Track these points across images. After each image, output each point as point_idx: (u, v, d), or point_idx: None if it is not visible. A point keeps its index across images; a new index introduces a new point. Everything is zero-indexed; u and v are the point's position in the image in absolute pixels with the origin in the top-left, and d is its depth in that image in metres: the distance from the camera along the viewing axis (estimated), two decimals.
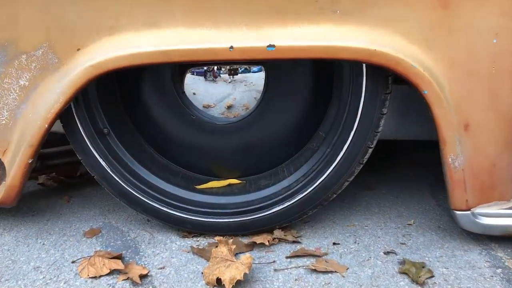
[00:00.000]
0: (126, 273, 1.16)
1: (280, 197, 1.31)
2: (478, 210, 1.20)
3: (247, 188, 1.39)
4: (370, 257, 1.22)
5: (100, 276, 1.16)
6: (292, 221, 1.31)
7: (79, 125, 1.28)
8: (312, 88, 1.39)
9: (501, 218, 1.20)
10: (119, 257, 1.22)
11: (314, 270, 1.16)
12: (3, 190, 1.29)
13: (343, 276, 1.13)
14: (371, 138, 1.20)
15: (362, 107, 1.18)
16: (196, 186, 1.41)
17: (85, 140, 1.29)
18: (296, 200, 1.28)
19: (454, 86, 1.12)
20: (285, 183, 1.34)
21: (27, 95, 1.20)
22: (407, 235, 1.34)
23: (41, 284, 1.13)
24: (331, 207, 1.54)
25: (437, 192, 1.68)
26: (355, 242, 1.31)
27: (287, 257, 1.23)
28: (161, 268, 1.20)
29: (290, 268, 1.18)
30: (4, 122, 1.22)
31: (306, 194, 1.27)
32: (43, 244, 1.35)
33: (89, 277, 1.15)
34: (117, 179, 1.32)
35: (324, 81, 1.36)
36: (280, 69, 1.36)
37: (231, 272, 1.10)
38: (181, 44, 1.12)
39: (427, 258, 1.21)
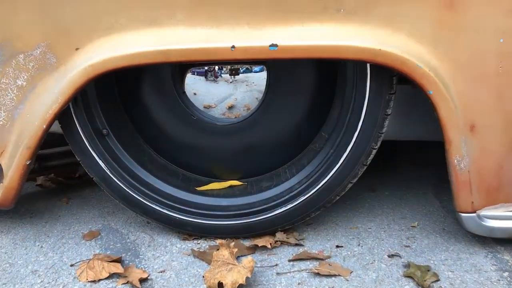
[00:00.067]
0: (126, 276, 1.14)
1: (282, 199, 1.29)
2: (484, 212, 1.18)
3: (249, 190, 1.37)
4: (374, 260, 1.20)
5: (99, 280, 1.14)
6: (295, 223, 1.29)
7: (77, 126, 1.26)
8: (314, 88, 1.37)
9: (507, 221, 1.18)
10: (118, 261, 1.20)
11: (318, 274, 1.14)
12: (0, 192, 1.27)
13: (347, 280, 1.11)
14: (375, 139, 1.18)
15: (366, 108, 1.16)
16: (196, 188, 1.39)
17: (83, 141, 1.27)
18: (299, 202, 1.26)
19: (460, 87, 1.10)
20: (287, 184, 1.32)
21: (24, 95, 1.18)
22: (411, 238, 1.32)
23: None
24: (334, 208, 1.52)
25: (440, 193, 1.67)
26: (359, 245, 1.29)
27: (289, 260, 1.21)
28: (161, 272, 1.18)
29: (293, 271, 1.16)
30: (1, 123, 1.20)
31: (309, 196, 1.25)
32: (41, 247, 1.33)
33: (88, 281, 1.13)
34: (116, 180, 1.30)
35: (327, 81, 1.34)
36: (282, 69, 1.34)
37: (233, 276, 1.08)
38: (181, 44, 1.10)
39: (432, 261, 1.19)
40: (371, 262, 1.19)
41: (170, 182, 1.38)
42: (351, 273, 1.14)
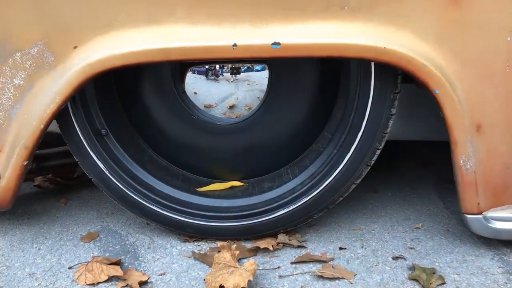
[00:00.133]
0: (125, 279, 1.12)
1: (285, 200, 1.27)
2: (490, 213, 1.16)
3: (250, 191, 1.35)
4: (378, 263, 1.18)
5: (98, 283, 1.12)
6: (297, 225, 1.27)
7: (76, 125, 1.24)
8: (317, 87, 1.35)
9: None
10: (117, 263, 1.18)
11: (321, 277, 1.12)
12: None
13: (351, 283, 1.09)
14: (379, 139, 1.16)
15: (371, 107, 1.14)
16: (197, 189, 1.37)
17: (82, 141, 1.25)
18: (301, 204, 1.24)
19: (466, 86, 1.08)
20: (289, 185, 1.30)
21: (22, 94, 1.15)
22: (416, 239, 1.30)
23: None
24: (336, 210, 1.50)
25: (444, 194, 1.65)
26: (362, 247, 1.27)
27: (292, 263, 1.19)
28: (161, 274, 1.15)
29: (295, 274, 1.14)
30: None
31: (312, 197, 1.23)
32: (39, 249, 1.30)
33: (87, 284, 1.11)
34: (115, 181, 1.28)
35: (330, 79, 1.32)
36: (284, 67, 1.32)
37: (235, 279, 1.06)
38: (182, 42, 1.08)
39: (437, 264, 1.17)
40: (375, 264, 1.17)
41: (170, 182, 1.35)
42: (355, 276, 1.12)
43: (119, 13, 1.08)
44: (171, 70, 1.35)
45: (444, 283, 1.08)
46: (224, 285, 1.04)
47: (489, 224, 1.16)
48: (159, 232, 1.37)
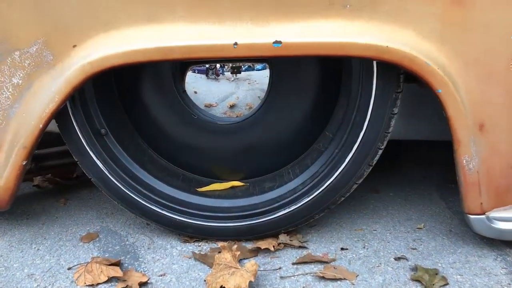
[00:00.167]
0: (125, 280, 1.11)
1: (286, 200, 1.26)
2: (493, 214, 1.15)
3: (251, 191, 1.34)
4: (380, 263, 1.17)
5: (98, 284, 1.11)
6: (298, 225, 1.26)
7: (75, 125, 1.23)
8: (318, 86, 1.34)
9: None
10: (117, 264, 1.17)
11: (322, 278, 1.11)
12: None
13: (353, 284, 1.08)
14: (381, 139, 1.15)
15: (373, 107, 1.13)
16: (197, 189, 1.36)
17: (81, 141, 1.24)
18: (303, 204, 1.23)
19: (469, 85, 1.06)
20: (290, 185, 1.29)
21: (20, 93, 1.14)
22: (418, 240, 1.29)
23: None
24: (337, 210, 1.49)
25: (445, 193, 1.64)
26: (364, 247, 1.26)
27: (293, 264, 1.18)
28: (161, 275, 1.14)
29: (297, 275, 1.13)
30: None
31: (313, 197, 1.22)
32: (38, 249, 1.29)
33: (86, 285, 1.10)
34: (115, 181, 1.27)
35: (331, 79, 1.31)
36: (285, 66, 1.31)
37: (236, 280, 1.05)
38: (182, 40, 1.07)
39: (439, 264, 1.16)
40: (377, 265, 1.16)
41: (170, 182, 1.34)
42: (357, 276, 1.11)
43: (119, 12, 1.07)
44: (171, 69, 1.34)
45: (447, 284, 1.07)
46: (225, 286, 1.03)
47: (492, 225, 1.15)
48: (159, 233, 1.36)
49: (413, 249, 1.24)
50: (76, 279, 1.12)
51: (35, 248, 1.30)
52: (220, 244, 1.23)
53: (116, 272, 1.13)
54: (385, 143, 1.17)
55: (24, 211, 1.58)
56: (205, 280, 1.10)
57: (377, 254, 1.22)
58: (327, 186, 1.21)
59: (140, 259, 1.23)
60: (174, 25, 1.07)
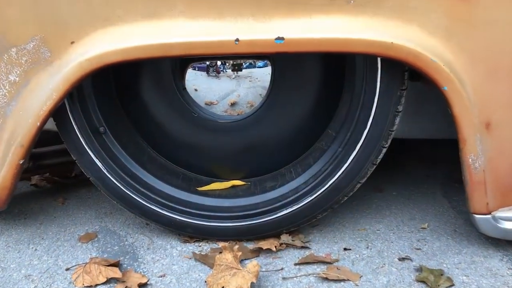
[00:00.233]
0: (124, 281, 1.09)
1: (288, 199, 1.24)
2: (499, 213, 1.13)
3: (252, 190, 1.32)
4: (384, 264, 1.15)
5: (96, 285, 1.09)
6: (300, 225, 1.24)
7: (73, 123, 1.21)
8: (321, 83, 1.31)
9: None
10: (116, 264, 1.15)
11: (326, 278, 1.09)
12: None
13: (357, 285, 1.06)
14: (385, 137, 1.13)
15: (377, 104, 1.11)
16: (197, 188, 1.34)
17: (79, 139, 1.22)
18: (305, 203, 1.21)
19: (475, 82, 1.04)
20: (292, 184, 1.27)
21: (17, 91, 1.12)
22: (422, 240, 1.27)
23: None
24: (340, 209, 1.47)
25: (449, 193, 1.62)
26: (367, 248, 1.23)
27: (295, 264, 1.16)
28: (161, 276, 1.12)
29: (299, 276, 1.11)
30: None
31: (316, 196, 1.20)
32: (35, 249, 1.27)
33: (84, 286, 1.08)
34: (113, 180, 1.25)
35: (334, 76, 1.29)
36: (287, 63, 1.29)
37: (237, 281, 1.03)
38: (182, 37, 1.04)
39: (445, 265, 1.14)
40: (381, 266, 1.14)
41: (170, 182, 1.32)
42: (360, 277, 1.09)
43: (117, 7, 1.05)
44: (171, 66, 1.32)
45: (452, 285, 1.05)
46: None
47: (498, 225, 1.13)
48: (158, 233, 1.34)
49: (418, 249, 1.22)
50: (74, 280, 1.10)
51: (32, 248, 1.28)
52: (221, 244, 1.21)
53: (115, 273, 1.11)
54: (389, 141, 1.15)
55: (22, 210, 1.56)
56: (205, 281, 1.08)
57: (380, 255, 1.19)
58: (330, 185, 1.19)
59: (139, 259, 1.21)
60: (173, 21, 1.05)
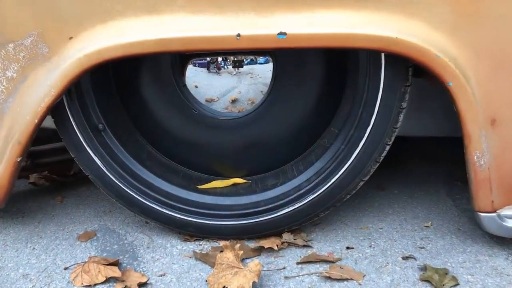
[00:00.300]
0: (124, 281, 1.08)
1: (289, 197, 1.22)
2: (504, 212, 1.11)
3: (253, 188, 1.30)
4: (387, 263, 1.13)
5: (95, 284, 1.07)
6: (302, 223, 1.23)
7: (72, 120, 1.19)
8: (323, 80, 1.30)
9: None
10: (115, 264, 1.13)
11: (328, 278, 1.07)
12: None
13: (360, 284, 1.04)
14: (389, 134, 1.11)
15: (380, 101, 1.09)
16: (198, 186, 1.32)
17: (78, 137, 1.20)
18: (307, 201, 1.19)
19: (481, 78, 1.03)
20: (294, 182, 1.25)
21: (15, 87, 1.10)
22: (426, 238, 1.25)
23: None
24: (342, 207, 1.45)
25: (452, 191, 1.60)
26: (370, 246, 1.22)
27: (298, 263, 1.14)
28: (161, 275, 1.11)
29: (301, 275, 1.09)
30: None
31: (318, 194, 1.18)
32: (33, 248, 1.26)
33: (83, 286, 1.07)
34: (113, 178, 1.23)
35: (337, 72, 1.27)
36: (289, 59, 1.27)
37: (239, 280, 1.01)
38: (182, 32, 1.03)
39: (449, 264, 1.12)
40: (384, 265, 1.12)
41: (170, 179, 1.31)
42: (364, 277, 1.07)
43: (116, 2, 1.03)
44: (171, 62, 1.30)
45: (457, 284, 1.03)
46: (228, 287, 0.99)
47: (503, 223, 1.11)
48: (158, 231, 1.33)
49: (421, 248, 1.20)
50: (72, 279, 1.09)
51: (30, 247, 1.26)
52: (222, 243, 1.20)
53: (114, 272, 1.09)
54: (392, 138, 1.13)
55: (20, 209, 1.54)
56: (206, 281, 1.06)
57: (384, 253, 1.18)
58: (332, 183, 1.17)
59: (139, 258, 1.19)
60: (174, 15, 1.03)
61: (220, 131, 1.35)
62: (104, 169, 1.22)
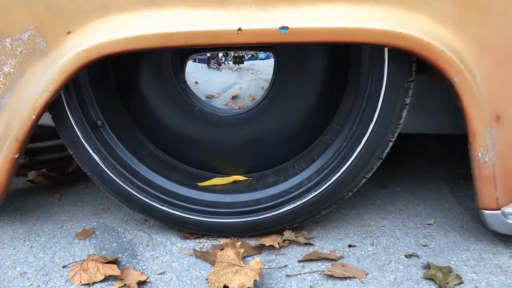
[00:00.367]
0: (123, 279, 1.06)
1: (291, 195, 1.21)
2: (509, 209, 1.10)
3: (254, 185, 1.29)
4: (390, 261, 1.12)
5: (94, 283, 1.06)
6: (304, 221, 1.21)
7: (70, 116, 1.18)
8: (325, 75, 1.28)
9: None
10: (114, 262, 1.12)
11: (331, 276, 1.06)
12: None
13: (363, 283, 1.03)
14: (392, 130, 1.10)
15: (384, 97, 1.08)
16: (198, 183, 1.31)
17: (77, 133, 1.19)
18: (309, 199, 1.17)
19: (485, 72, 1.01)
20: (296, 180, 1.24)
21: (12, 83, 1.09)
22: (428, 236, 1.24)
23: None
24: (343, 205, 1.44)
25: (455, 188, 1.59)
26: (373, 244, 1.20)
27: (299, 261, 1.13)
28: (161, 274, 1.09)
29: (303, 273, 1.08)
30: None
31: (320, 192, 1.17)
32: (31, 246, 1.24)
33: (82, 284, 1.05)
34: (112, 175, 1.22)
35: (339, 67, 1.25)
36: (290, 55, 1.25)
37: (240, 278, 1.00)
38: (183, 26, 1.01)
39: (453, 262, 1.11)
40: (387, 263, 1.11)
41: (170, 177, 1.29)
42: (366, 275, 1.06)
43: None
44: (171, 58, 1.28)
45: (462, 282, 1.02)
46: (229, 285, 0.98)
47: (508, 220, 1.10)
48: (158, 229, 1.31)
49: (424, 246, 1.19)
50: (71, 277, 1.07)
51: (28, 245, 1.25)
52: (222, 241, 1.18)
53: (113, 270, 1.08)
54: (395, 135, 1.11)
55: (17, 207, 1.52)
56: (207, 279, 1.05)
57: (386, 251, 1.16)
58: (334, 180, 1.15)
59: (138, 256, 1.18)
60: (174, 9, 1.02)
61: (221, 127, 1.34)
62: (102, 166, 1.21)
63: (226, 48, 1.27)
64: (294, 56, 1.26)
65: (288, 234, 1.22)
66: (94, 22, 1.03)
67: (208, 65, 1.30)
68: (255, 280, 0.99)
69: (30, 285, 1.05)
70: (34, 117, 1.09)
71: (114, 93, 1.31)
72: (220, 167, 1.37)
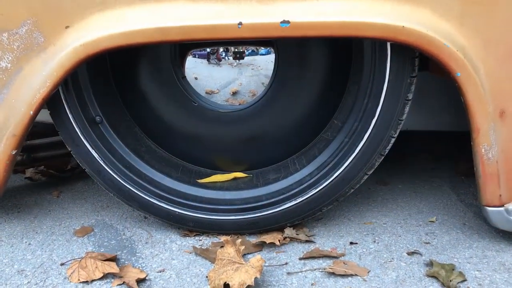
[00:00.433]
0: (122, 277, 1.05)
1: (292, 192, 1.20)
2: None
3: (255, 182, 1.27)
4: (392, 258, 1.10)
5: (93, 280, 1.04)
6: (305, 218, 1.20)
7: (68, 112, 1.17)
8: (326, 71, 1.27)
9: None
10: (113, 259, 1.11)
11: (332, 273, 1.04)
12: None
13: (365, 280, 1.02)
14: (394, 126, 1.09)
15: (386, 92, 1.07)
16: (198, 180, 1.29)
17: (75, 129, 1.18)
18: (310, 196, 1.16)
19: (489, 68, 1.00)
20: (296, 176, 1.22)
21: (9, 78, 1.08)
22: (431, 234, 1.23)
23: None
24: (344, 202, 1.43)
25: (457, 186, 1.58)
26: (374, 242, 1.19)
27: (300, 259, 1.12)
28: (160, 271, 1.08)
29: (304, 271, 1.06)
30: None
31: (321, 189, 1.16)
32: (29, 244, 1.23)
33: (80, 282, 1.04)
34: (111, 172, 1.21)
35: (341, 62, 1.24)
36: (291, 50, 1.24)
37: (240, 276, 0.98)
38: (182, 21, 1.00)
39: (455, 259, 1.09)
40: (389, 260, 1.10)
41: (170, 174, 1.28)
42: (368, 272, 1.05)
43: None
44: (170, 53, 1.27)
45: (465, 280, 1.01)
46: (229, 283, 0.97)
47: (511, 217, 1.09)
48: (157, 226, 1.30)
49: (426, 243, 1.18)
50: (69, 275, 1.06)
51: (26, 242, 1.24)
52: (223, 238, 1.17)
53: (112, 268, 1.07)
54: (398, 131, 1.10)
55: (15, 204, 1.51)
56: (207, 277, 1.03)
57: (388, 249, 1.15)
58: (336, 177, 1.14)
59: (137, 254, 1.16)
60: (173, 3, 1.01)
61: (221, 124, 1.33)
62: (101, 162, 1.20)
63: (226, 43, 1.26)
64: (295, 52, 1.24)
65: (289, 231, 1.21)
66: (93, 16, 1.02)
67: (208, 60, 1.29)
68: (255, 278, 0.97)
69: (28, 282, 1.04)
70: (31, 113, 1.08)
71: (112, 89, 1.30)
72: (220, 164, 1.36)
